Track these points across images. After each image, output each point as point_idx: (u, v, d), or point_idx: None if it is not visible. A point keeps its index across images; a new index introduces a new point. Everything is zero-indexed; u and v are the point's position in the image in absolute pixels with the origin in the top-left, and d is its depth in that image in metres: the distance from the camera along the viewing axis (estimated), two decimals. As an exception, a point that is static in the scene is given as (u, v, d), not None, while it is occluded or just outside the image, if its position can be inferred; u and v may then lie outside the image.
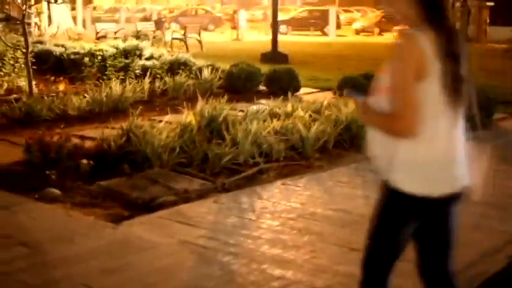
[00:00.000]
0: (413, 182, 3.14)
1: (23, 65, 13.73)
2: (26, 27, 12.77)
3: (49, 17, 31.34)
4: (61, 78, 14.66)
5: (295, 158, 8.54)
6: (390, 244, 3.32)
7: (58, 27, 30.18)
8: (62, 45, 18.02)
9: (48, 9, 30.08)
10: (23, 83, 13.33)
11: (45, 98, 11.41)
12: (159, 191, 6.96)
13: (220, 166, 7.79)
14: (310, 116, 9.71)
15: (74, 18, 36.45)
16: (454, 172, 3.21)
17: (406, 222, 3.27)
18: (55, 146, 7.78)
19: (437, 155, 3.15)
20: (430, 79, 3.06)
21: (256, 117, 9.49)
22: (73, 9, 37.54)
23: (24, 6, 12.50)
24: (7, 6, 13.25)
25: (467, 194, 3.31)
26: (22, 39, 12.93)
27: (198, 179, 7.46)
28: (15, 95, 12.16)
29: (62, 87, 13.40)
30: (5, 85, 13.61)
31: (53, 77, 14.88)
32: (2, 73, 14.71)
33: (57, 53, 17.03)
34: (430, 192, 3.16)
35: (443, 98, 3.10)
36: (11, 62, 14.75)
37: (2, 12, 13.48)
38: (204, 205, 6.69)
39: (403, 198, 3.16)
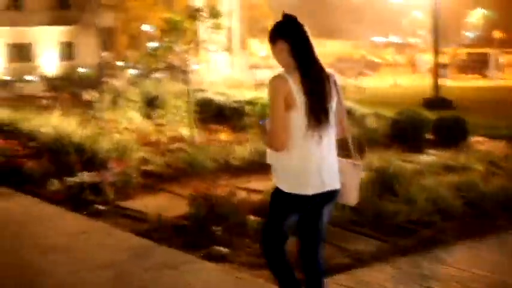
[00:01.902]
0: (288, 184, 4.22)
1: (184, 114, 13.78)
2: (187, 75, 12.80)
3: (208, 64, 31.90)
4: (223, 127, 14.61)
5: (474, 216, 7.82)
6: (276, 225, 4.35)
7: (217, 75, 30.68)
8: (223, 93, 18.05)
9: (208, 57, 30.67)
10: (185, 131, 13.33)
11: (208, 147, 11.26)
12: (331, 252, 6.47)
13: (394, 224, 7.24)
14: (487, 168, 8.98)
15: (231, 65, 37.03)
16: (321, 178, 4.21)
17: (286, 212, 4.31)
18: (221, 200, 7.51)
19: (305, 165, 4.18)
20: (296, 109, 4.12)
21: (430, 170, 8.88)
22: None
23: (186, 55, 12.53)
24: (170, 56, 13.34)
25: (338, 197, 4.38)
26: (183, 87, 12.96)
27: (370, 238, 6.96)
28: (178, 144, 12.15)
29: (224, 136, 13.29)
30: (168, 133, 13.68)
31: (215, 126, 14.85)
32: (164, 121, 14.87)
33: (218, 101, 17.02)
34: (300, 191, 4.19)
35: (307, 123, 4.12)
36: (174, 111, 14.89)
37: (164, 62, 13.60)
38: (380, 269, 6.14)
39: (282, 195, 4.25)
